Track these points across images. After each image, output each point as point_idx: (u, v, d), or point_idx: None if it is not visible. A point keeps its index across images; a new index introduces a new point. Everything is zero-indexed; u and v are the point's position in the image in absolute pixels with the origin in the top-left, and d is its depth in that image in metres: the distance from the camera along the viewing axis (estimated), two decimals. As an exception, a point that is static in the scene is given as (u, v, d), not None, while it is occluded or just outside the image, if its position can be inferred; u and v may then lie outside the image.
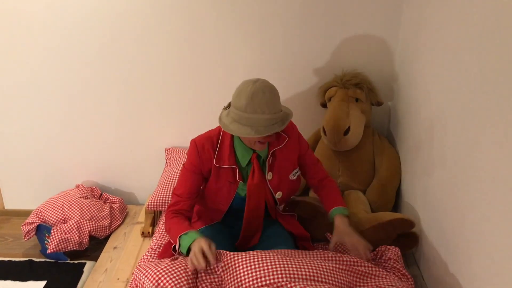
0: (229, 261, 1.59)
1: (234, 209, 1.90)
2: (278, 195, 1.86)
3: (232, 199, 1.83)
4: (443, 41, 1.77)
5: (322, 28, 2.41)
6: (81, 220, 2.49)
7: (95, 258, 2.45)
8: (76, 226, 2.45)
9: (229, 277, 1.55)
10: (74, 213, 2.51)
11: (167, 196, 2.36)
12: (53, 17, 2.47)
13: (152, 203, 2.36)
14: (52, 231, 2.41)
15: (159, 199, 2.36)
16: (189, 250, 1.60)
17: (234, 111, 1.63)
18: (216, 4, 2.39)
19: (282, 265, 1.51)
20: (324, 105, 2.46)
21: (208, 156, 1.77)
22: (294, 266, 1.52)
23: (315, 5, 2.35)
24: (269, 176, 1.82)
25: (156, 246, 2.03)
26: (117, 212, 2.71)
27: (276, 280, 1.45)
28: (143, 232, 2.48)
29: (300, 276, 1.48)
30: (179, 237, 1.64)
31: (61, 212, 2.51)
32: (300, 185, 1.99)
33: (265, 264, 1.52)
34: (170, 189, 2.38)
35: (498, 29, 1.30)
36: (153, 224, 2.51)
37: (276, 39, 2.46)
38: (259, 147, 1.71)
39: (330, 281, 1.50)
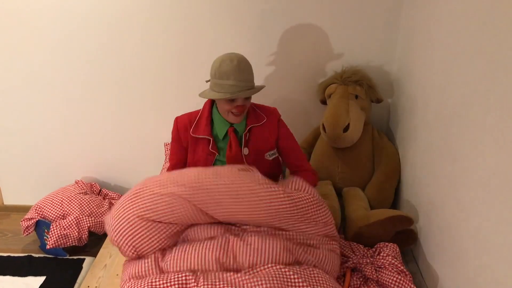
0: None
1: None
2: None
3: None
4: (443, 38, 1.77)
5: (321, 25, 2.40)
6: (81, 216, 2.49)
7: (94, 254, 2.45)
8: (75, 222, 2.45)
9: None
10: (73, 208, 2.51)
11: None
12: (52, 14, 2.46)
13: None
14: (51, 227, 2.42)
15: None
16: None
17: (211, 80, 1.84)
18: (213, 2, 2.39)
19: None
20: (324, 102, 2.46)
21: (185, 127, 1.93)
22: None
23: (314, 2, 2.35)
24: (245, 151, 1.92)
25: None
26: (116, 208, 2.70)
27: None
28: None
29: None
30: None
31: (60, 207, 2.51)
32: (280, 171, 2.11)
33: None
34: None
35: (498, 26, 1.30)
36: (152, 220, 2.50)
37: (275, 36, 2.45)
38: (232, 118, 1.84)
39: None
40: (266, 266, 1.54)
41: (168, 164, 2.02)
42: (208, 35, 2.47)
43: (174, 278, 1.51)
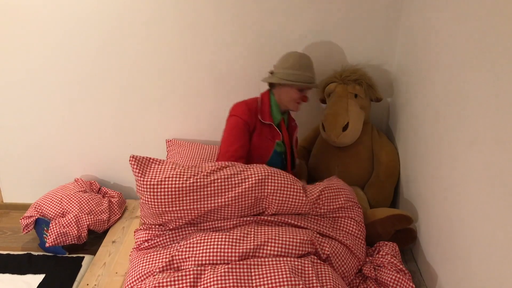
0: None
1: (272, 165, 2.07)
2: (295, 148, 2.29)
3: (271, 154, 2.14)
4: (442, 37, 1.77)
5: (321, 24, 2.40)
6: (80, 214, 2.49)
7: (93, 252, 2.45)
8: (74, 220, 2.45)
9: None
10: (72, 207, 2.51)
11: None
12: (53, 13, 2.46)
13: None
14: (50, 225, 2.42)
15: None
16: None
17: (282, 71, 2.06)
18: (215, 3, 2.39)
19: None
20: (323, 101, 2.47)
21: (255, 111, 2.10)
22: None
23: (314, 2, 2.35)
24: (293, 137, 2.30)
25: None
26: (116, 206, 2.70)
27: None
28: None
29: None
30: None
31: (60, 206, 2.51)
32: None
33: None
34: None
35: (498, 25, 1.30)
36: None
37: (275, 33, 2.45)
38: (296, 106, 2.13)
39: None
40: (277, 259, 1.60)
41: (229, 150, 2.07)
42: (211, 33, 2.47)
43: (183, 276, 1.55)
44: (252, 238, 1.67)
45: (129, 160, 1.72)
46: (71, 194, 2.59)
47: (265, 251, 1.63)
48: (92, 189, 2.80)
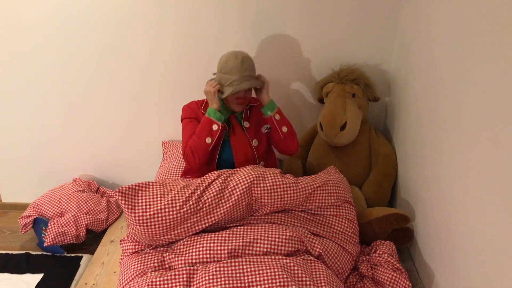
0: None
1: (225, 163, 2.15)
2: (254, 142, 2.13)
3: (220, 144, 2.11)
4: (441, 37, 1.77)
5: (319, 24, 2.41)
6: (78, 214, 2.50)
7: (91, 252, 2.46)
8: (73, 220, 2.46)
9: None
10: (71, 206, 2.51)
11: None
12: (53, 13, 2.46)
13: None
14: (49, 225, 2.42)
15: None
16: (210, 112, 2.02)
17: (218, 75, 2.06)
18: (214, 1, 2.40)
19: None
20: (321, 101, 2.47)
21: (197, 107, 2.15)
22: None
23: (313, 1, 2.35)
24: (245, 124, 2.14)
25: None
26: (114, 206, 2.71)
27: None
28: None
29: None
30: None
31: (58, 205, 2.52)
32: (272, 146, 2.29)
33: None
34: (167, 183, 2.39)
35: (497, 25, 1.31)
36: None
37: (273, 34, 2.46)
38: (236, 107, 2.07)
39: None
40: (268, 257, 1.61)
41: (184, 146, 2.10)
42: (208, 35, 2.47)
43: (176, 276, 1.56)
44: (241, 236, 1.68)
45: (116, 195, 1.69)
46: (70, 194, 2.59)
47: (254, 249, 1.64)
48: (90, 188, 2.81)
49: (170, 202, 1.69)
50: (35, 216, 2.50)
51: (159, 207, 1.67)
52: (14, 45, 2.56)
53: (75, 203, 2.54)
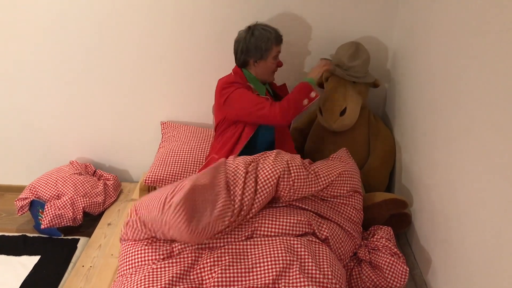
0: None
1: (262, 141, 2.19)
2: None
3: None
4: (442, 24, 1.76)
5: (319, 7, 2.38)
6: (75, 196, 2.49)
7: (88, 235, 2.46)
8: (70, 202, 2.45)
9: None
10: (68, 189, 2.50)
11: (164, 173, 2.36)
12: (49, 4, 2.43)
13: (150, 178, 2.35)
14: (46, 207, 2.41)
15: (157, 175, 2.35)
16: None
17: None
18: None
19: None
20: (321, 85, 2.45)
21: (240, 80, 2.13)
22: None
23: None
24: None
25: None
26: (111, 189, 2.70)
27: None
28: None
29: None
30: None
31: (55, 188, 2.51)
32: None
33: None
34: (168, 165, 2.39)
35: (495, 14, 1.29)
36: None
37: (273, 17, 2.43)
38: (273, 76, 2.21)
39: None
40: (273, 238, 1.63)
41: (263, 104, 2.04)
42: (207, 14, 2.44)
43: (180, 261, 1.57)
44: (250, 221, 1.68)
45: (177, 209, 1.57)
46: (67, 177, 2.58)
47: (261, 232, 1.65)
48: (87, 171, 2.80)
49: (220, 212, 1.60)
50: (31, 199, 2.49)
51: (210, 219, 1.58)
52: (10, 27, 2.52)
53: (72, 185, 2.52)
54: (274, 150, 1.89)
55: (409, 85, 2.16)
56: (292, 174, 1.77)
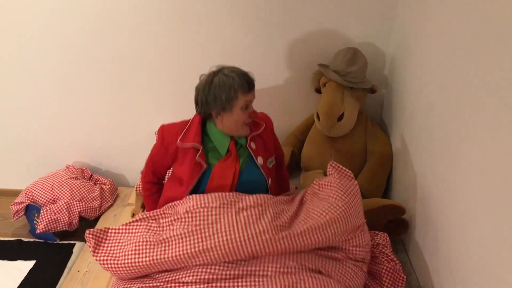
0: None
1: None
2: (270, 182, 1.87)
3: (196, 180, 1.75)
4: (438, 29, 1.76)
5: (317, 12, 2.38)
6: (71, 201, 2.47)
7: (84, 239, 2.43)
8: (66, 207, 2.43)
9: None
10: (64, 193, 2.49)
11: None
12: (43, 4, 2.42)
13: (141, 185, 2.35)
14: (41, 211, 2.40)
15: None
16: None
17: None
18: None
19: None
20: (318, 91, 2.45)
21: (172, 136, 1.82)
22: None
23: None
24: (260, 160, 1.83)
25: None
26: (107, 194, 2.69)
27: None
28: (133, 214, 2.47)
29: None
30: None
31: (51, 192, 2.49)
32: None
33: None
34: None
35: (492, 18, 1.30)
36: (144, 206, 2.49)
37: (270, 22, 2.42)
38: (245, 129, 1.78)
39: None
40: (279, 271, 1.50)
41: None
42: (203, 24, 2.44)
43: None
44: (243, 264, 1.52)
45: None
46: (63, 181, 2.57)
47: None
48: (83, 176, 2.79)
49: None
50: (27, 203, 2.47)
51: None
52: (6, 32, 2.51)
53: (68, 190, 2.51)
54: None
55: (406, 90, 2.16)
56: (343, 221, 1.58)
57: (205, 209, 1.58)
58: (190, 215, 1.58)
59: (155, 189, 2.01)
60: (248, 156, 1.84)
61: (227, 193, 1.66)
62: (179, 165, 1.82)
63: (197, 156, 1.74)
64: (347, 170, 1.75)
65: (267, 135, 1.91)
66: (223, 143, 1.80)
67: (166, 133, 1.85)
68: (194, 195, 1.66)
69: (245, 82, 1.68)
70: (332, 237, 1.55)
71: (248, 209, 1.57)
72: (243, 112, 1.71)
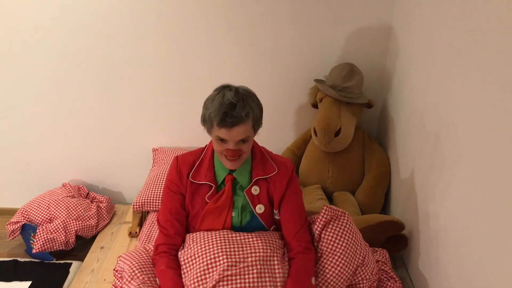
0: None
1: None
2: (273, 229, 1.70)
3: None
4: (433, 44, 1.77)
5: (313, 28, 2.40)
6: (68, 220, 2.45)
7: (81, 258, 2.41)
8: (62, 226, 2.41)
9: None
10: (60, 212, 2.47)
11: (152, 196, 2.35)
12: (41, 16, 2.42)
13: (138, 203, 2.34)
14: (37, 231, 2.37)
15: (145, 199, 2.35)
16: None
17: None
18: (206, 3, 2.37)
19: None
20: (315, 106, 2.46)
21: (186, 170, 1.62)
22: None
23: (306, 4, 2.34)
24: (259, 209, 1.62)
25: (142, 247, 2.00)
26: (104, 212, 2.67)
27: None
28: (130, 232, 2.45)
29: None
30: None
31: (47, 211, 2.47)
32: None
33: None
34: (156, 189, 2.37)
35: (492, 27, 1.30)
36: (141, 224, 2.48)
37: (266, 38, 2.44)
38: (226, 162, 1.52)
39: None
40: None
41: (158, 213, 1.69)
42: (201, 39, 2.45)
43: None
44: None
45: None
46: (59, 199, 2.55)
47: None
48: (80, 194, 2.76)
49: None
50: (23, 222, 2.45)
51: None
52: (3, 49, 2.52)
53: (64, 208, 2.49)
54: None
55: (403, 105, 2.17)
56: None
57: None
58: None
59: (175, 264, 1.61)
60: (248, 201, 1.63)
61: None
62: (190, 203, 1.64)
63: (206, 196, 1.60)
64: (339, 210, 1.65)
65: (278, 182, 1.61)
66: (220, 174, 1.61)
67: (181, 164, 1.64)
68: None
69: (222, 117, 1.40)
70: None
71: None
72: (218, 144, 1.49)
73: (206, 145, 1.68)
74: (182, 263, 1.56)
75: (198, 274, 1.48)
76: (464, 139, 1.45)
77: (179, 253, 1.60)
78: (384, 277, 1.73)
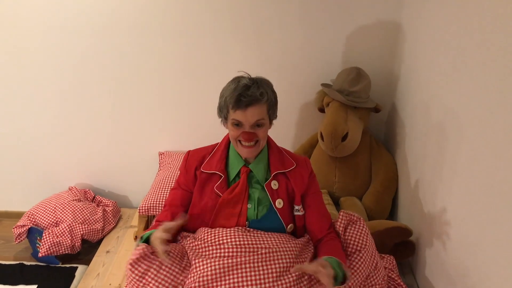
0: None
1: None
2: (290, 228, 1.62)
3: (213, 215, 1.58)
4: (441, 46, 1.76)
5: (320, 32, 2.39)
6: (74, 223, 2.45)
7: (87, 262, 2.41)
8: (68, 229, 2.41)
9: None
10: (66, 216, 2.47)
11: (158, 200, 2.33)
12: (47, 18, 2.43)
13: (144, 207, 2.33)
14: (44, 234, 2.38)
15: (151, 203, 2.34)
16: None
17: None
18: (213, 6, 2.37)
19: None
20: (322, 110, 2.44)
21: (194, 164, 1.62)
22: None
23: (313, 8, 2.33)
24: (278, 203, 1.57)
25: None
26: (110, 216, 2.67)
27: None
28: (136, 236, 2.45)
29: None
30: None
31: (53, 215, 2.48)
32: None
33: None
34: (162, 193, 2.36)
35: (501, 28, 1.29)
36: (147, 228, 2.47)
37: (274, 41, 2.44)
38: (242, 149, 1.52)
39: None
40: None
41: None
42: (208, 42, 2.45)
43: None
44: None
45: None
46: (65, 203, 2.55)
47: None
48: (86, 197, 2.77)
49: None
50: (29, 226, 2.45)
51: None
52: (9, 51, 2.53)
53: (70, 212, 2.49)
54: None
55: (410, 110, 2.15)
56: None
57: None
58: None
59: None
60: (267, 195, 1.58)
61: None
62: (198, 195, 1.61)
63: (215, 186, 1.57)
64: (354, 215, 1.66)
65: (299, 178, 1.61)
66: (235, 166, 1.59)
67: (191, 157, 1.65)
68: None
69: (238, 98, 1.43)
70: None
71: None
72: (234, 128, 1.50)
73: (218, 143, 1.69)
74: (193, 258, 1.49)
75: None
76: (475, 145, 1.44)
77: (191, 244, 1.54)
78: (392, 284, 1.71)
